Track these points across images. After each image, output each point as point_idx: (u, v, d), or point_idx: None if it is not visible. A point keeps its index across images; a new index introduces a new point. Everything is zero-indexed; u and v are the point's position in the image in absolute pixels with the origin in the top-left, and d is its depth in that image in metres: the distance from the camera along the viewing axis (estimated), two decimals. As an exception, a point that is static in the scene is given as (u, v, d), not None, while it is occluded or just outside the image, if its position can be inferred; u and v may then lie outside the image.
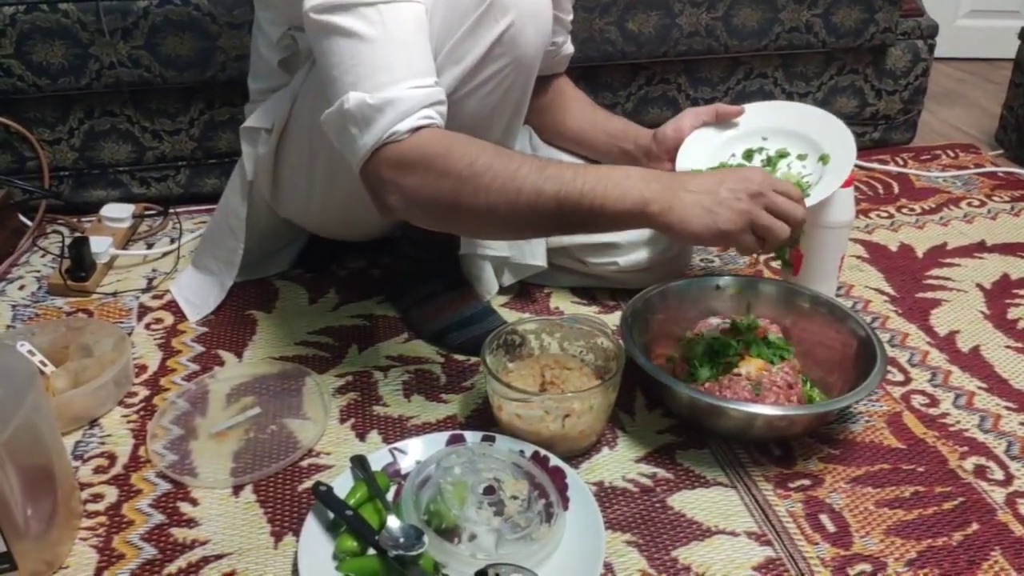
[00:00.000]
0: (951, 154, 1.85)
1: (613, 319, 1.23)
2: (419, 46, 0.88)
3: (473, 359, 1.13)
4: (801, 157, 1.12)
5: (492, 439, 0.95)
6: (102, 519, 0.89)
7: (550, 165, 0.88)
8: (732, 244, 0.91)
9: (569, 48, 1.28)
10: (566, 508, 0.86)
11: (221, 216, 1.25)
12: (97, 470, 0.95)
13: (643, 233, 1.20)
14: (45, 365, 1.05)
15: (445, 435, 0.96)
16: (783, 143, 1.14)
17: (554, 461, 0.92)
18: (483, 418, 1.03)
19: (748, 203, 0.89)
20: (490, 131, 0.99)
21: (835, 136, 1.12)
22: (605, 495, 0.92)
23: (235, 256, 1.22)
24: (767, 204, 0.90)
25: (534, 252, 1.23)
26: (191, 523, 0.88)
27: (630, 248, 1.21)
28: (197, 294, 1.25)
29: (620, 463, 0.97)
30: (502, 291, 1.27)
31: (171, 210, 1.52)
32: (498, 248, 1.21)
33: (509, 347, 1.03)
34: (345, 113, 0.85)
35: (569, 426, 0.93)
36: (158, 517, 0.89)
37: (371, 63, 0.85)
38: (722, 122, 1.21)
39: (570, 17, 1.24)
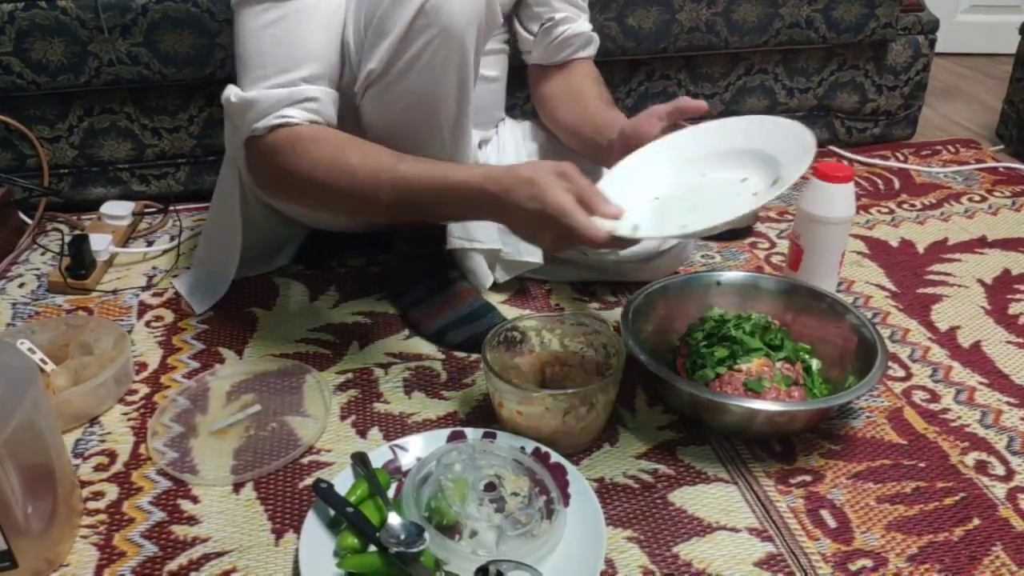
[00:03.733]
0: (952, 149, 1.85)
1: (614, 315, 1.23)
2: (299, 39, 0.96)
3: (474, 356, 1.13)
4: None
5: (493, 436, 0.95)
6: (102, 517, 0.89)
7: (385, 171, 0.92)
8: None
9: (578, 28, 1.23)
10: (567, 505, 0.86)
11: (216, 212, 1.24)
12: (97, 468, 0.95)
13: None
14: (45, 363, 1.04)
15: (446, 432, 0.95)
16: (736, 165, 0.96)
17: (555, 458, 0.92)
18: (484, 415, 1.03)
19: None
20: (439, 108, 1.00)
21: (794, 150, 0.92)
22: (606, 491, 0.92)
23: (234, 250, 1.21)
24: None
25: (530, 248, 1.23)
26: (192, 520, 0.88)
27: None
28: (200, 289, 1.25)
29: (621, 459, 0.96)
30: (501, 288, 1.27)
31: (171, 208, 1.51)
32: (488, 240, 1.21)
33: (510, 344, 1.03)
34: (223, 104, 0.99)
35: (570, 422, 0.93)
36: (158, 515, 0.89)
37: (247, 58, 0.98)
38: (683, 122, 1.05)
39: None
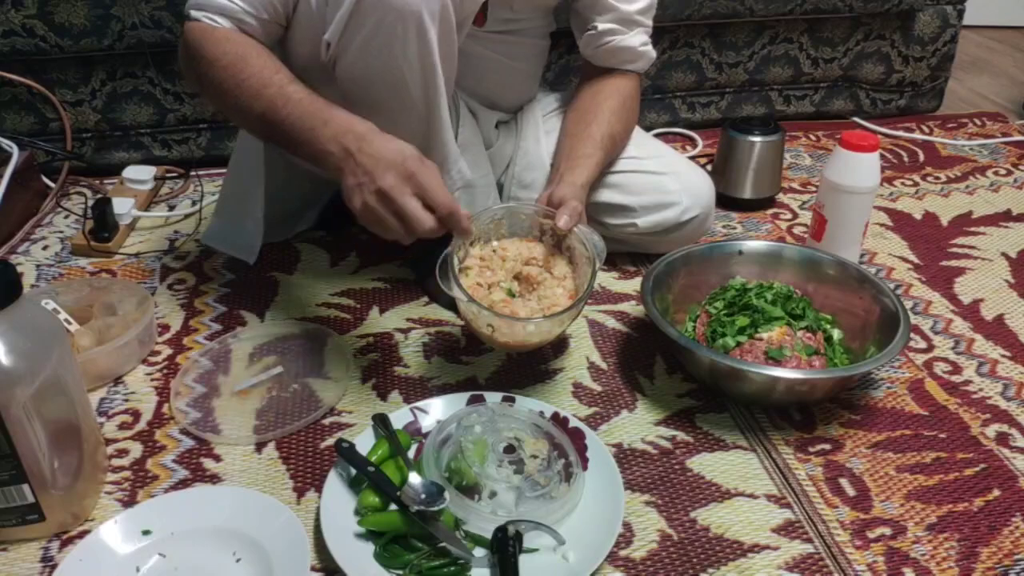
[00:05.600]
0: (978, 123, 1.82)
1: (633, 284, 1.22)
2: None
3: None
4: None
5: (512, 400, 0.95)
6: (127, 474, 0.90)
7: (273, 86, 0.93)
8: (365, 225, 0.89)
9: (623, 43, 1.18)
10: (585, 468, 0.86)
11: (237, 160, 1.24)
12: (122, 426, 0.96)
13: (660, 197, 1.19)
14: (70, 323, 1.05)
15: (466, 395, 0.96)
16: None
17: (573, 422, 0.92)
18: (503, 380, 1.03)
19: (373, 198, 0.85)
20: (408, 91, 0.96)
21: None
22: (624, 457, 0.92)
23: (258, 192, 1.20)
24: (395, 209, 0.85)
25: None
26: (214, 478, 0.89)
27: (646, 211, 1.20)
28: (241, 238, 1.25)
29: (639, 426, 0.97)
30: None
31: (192, 173, 1.52)
32: None
33: (511, 216, 1.02)
34: None
35: (498, 335, 0.93)
36: (182, 472, 0.90)
37: None
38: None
39: (633, 7, 1.17)
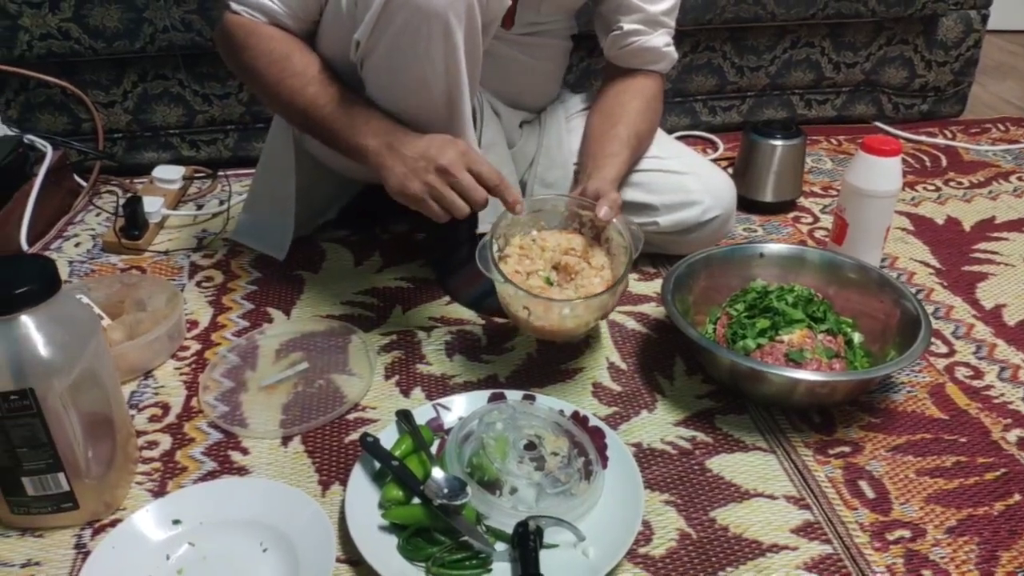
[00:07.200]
0: (1002, 128, 1.82)
1: (654, 286, 1.23)
2: None
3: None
4: None
5: (532, 398, 0.96)
6: (157, 465, 0.92)
7: (316, 84, 1.01)
8: (419, 210, 0.97)
9: (647, 43, 1.19)
10: (605, 467, 0.87)
11: (268, 158, 1.26)
12: (152, 419, 0.99)
13: (682, 196, 1.20)
14: (102, 318, 1.08)
15: (487, 393, 0.97)
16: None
17: (593, 421, 0.93)
18: (523, 378, 1.04)
19: (433, 176, 0.95)
20: (432, 93, 0.97)
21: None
22: (643, 456, 0.93)
23: (289, 190, 1.22)
24: (452, 182, 0.95)
25: None
26: (242, 471, 0.91)
27: (668, 210, 1.21)
28: (271, 235, 1.27)
29: (659, 426, 0.98)
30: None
31: (220, 173, 1.55)
32: None
33: (550, 208, 1.05)
34: None
35: (533, 318, 0.96)
36: (210, 464, 0.92)
37: None
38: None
39: (658, 8, 1.18)
